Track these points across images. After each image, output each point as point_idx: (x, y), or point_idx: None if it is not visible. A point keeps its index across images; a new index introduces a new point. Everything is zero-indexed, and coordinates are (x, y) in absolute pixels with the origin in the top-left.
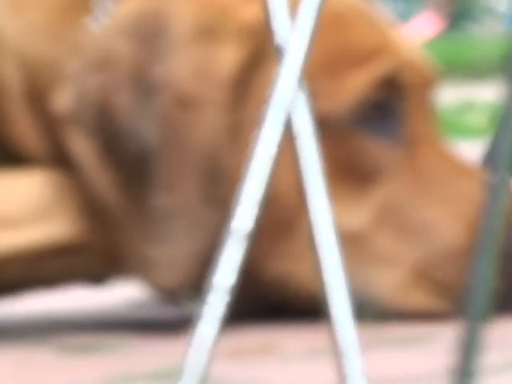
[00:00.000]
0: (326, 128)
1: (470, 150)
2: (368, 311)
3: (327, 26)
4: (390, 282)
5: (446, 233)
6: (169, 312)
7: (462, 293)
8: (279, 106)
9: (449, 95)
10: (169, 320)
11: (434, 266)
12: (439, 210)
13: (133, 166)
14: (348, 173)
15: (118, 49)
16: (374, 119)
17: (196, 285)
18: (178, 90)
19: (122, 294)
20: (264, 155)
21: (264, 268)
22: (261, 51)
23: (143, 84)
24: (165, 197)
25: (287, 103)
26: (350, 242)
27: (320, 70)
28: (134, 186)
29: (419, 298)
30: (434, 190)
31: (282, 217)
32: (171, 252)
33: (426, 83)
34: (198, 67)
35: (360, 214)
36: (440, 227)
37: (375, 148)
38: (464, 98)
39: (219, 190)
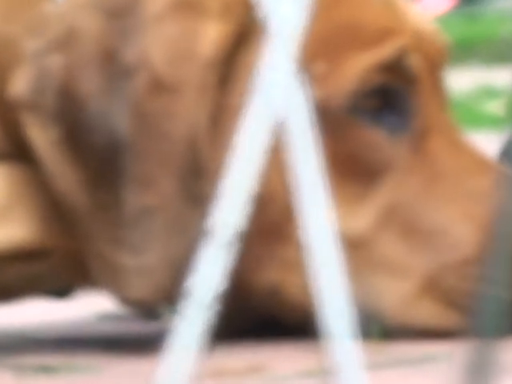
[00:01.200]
0: (322, 118)
1: (489, 141)
2: (371, 327)
3: None
4: (398, 294)
5: (460, 238)
6: (145, 327)
7: (474, 306)
8: (268, 92)
9: (465, 80)
10: (145, 336)
11: (446, 276)
12: (452, 211)
13: (101, 159)
14: (348, 170)
15: (83, 25)
16: (378, 108)
17: (175, 297)
18: (153, 73)
19: (90, 307)
20: (251, 148)
21: (252, 278)
22: (249, 27)
23: (113, 65)
24: (139, 195)
25: (277, 90)
26: (351, 248)
27: (316, 51)
28: (102, 183)
29: (429, 312)
30: (446, 189)
31: (274, 219)
32: (146, 260)
33: (440, 67)
34: (176, 46)
35: (362, 217)
36: (453, 231)
37: (379, 141)
38: (482, 83)
39: (201, 186)
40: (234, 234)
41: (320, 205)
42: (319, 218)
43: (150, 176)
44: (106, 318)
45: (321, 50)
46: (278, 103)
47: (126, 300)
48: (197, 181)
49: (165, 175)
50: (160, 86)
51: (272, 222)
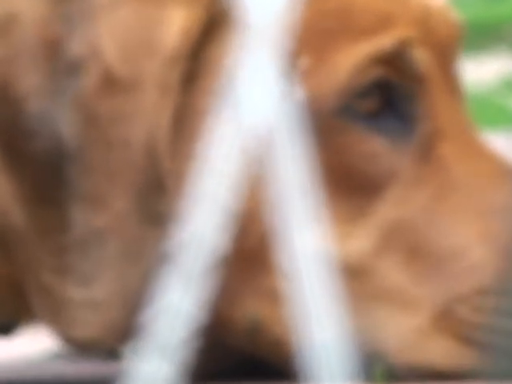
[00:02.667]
0: (309, 123)
1: None
2: (374, 368)
3: None
4: (404, 330)
5: (476, 262)
6: (102, 367)
7: (492, 342)
8: (244, 93)
9: (486, 70)
10: (103, 378)
11: (460, 308)
12: (466, 231)
13: (43, 171)
14: (342, 184)
15: (22, 10)
16: (376, 110)
17: (130, 336)
18: (105, 67)
19: (39, 345)
20: (225, 159)
21: (229, 312)
22: (220, 15)
23: (57, 58)
24: (88, 215)
25: (255, 89)
26: (348, 276)
27: (300, 42)
28: (45, 200)
29: (440, 350)
30: (459, 204)
31: (255, 244)
32: (96, 292)
33: (453, 55)
34: (132, 36)
35: (360, 239)
36: (467, 254)
37: (378, 149)
38: (506, 74)
39: (162, 204)
40: (207, 260)
41: (309, 227)
42: (307, 242)
43: (102, 191)
44: (58, 357)
45: (306, 40)
46: (256, 106)
47: (71, 339)
48: (156, 197)
49: (119, 191)
50: (113, 84)
51: (252, 248)
